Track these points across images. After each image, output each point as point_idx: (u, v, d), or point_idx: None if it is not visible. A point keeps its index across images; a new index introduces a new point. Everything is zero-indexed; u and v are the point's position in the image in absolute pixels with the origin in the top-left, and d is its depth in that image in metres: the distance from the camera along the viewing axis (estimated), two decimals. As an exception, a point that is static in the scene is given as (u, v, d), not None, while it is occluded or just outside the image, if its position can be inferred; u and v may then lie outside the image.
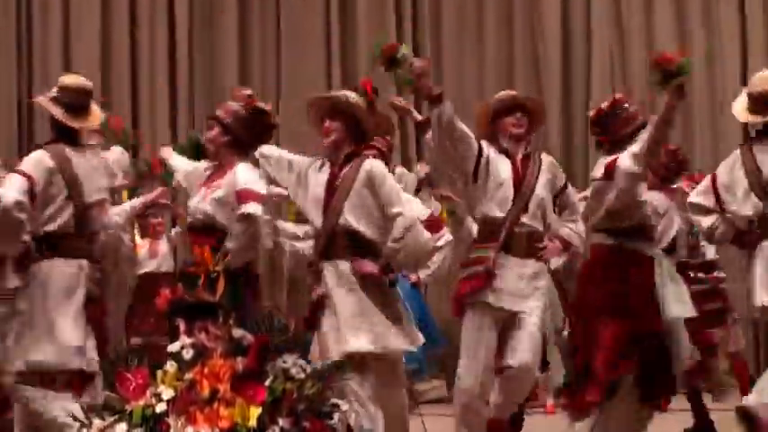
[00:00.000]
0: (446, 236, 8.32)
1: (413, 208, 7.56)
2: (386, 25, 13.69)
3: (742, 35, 13.58)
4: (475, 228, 8.08)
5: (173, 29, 13.95)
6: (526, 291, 7.30)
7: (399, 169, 10.38)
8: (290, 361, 5.79)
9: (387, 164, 7.77)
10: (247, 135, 6.99)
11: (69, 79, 7.22)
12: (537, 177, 7.27)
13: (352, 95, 6.99)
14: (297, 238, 9.26)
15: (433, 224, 8.00)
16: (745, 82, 13.47)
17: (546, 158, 7.56)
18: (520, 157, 7.34)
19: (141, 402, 5.67)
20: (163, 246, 11.45)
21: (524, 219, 7.28)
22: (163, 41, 13.94)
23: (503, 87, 13.33)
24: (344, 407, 5.89)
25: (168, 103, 13.98)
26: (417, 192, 10.20)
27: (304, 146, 7.83)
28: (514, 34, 13.95)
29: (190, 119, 13.86)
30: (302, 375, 5.79)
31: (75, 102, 6.99)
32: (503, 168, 7.31)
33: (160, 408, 5.61)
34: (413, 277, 8.93)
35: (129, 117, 13.24)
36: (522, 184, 7.29)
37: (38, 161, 6.95)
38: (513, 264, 7.29)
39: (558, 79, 13.86)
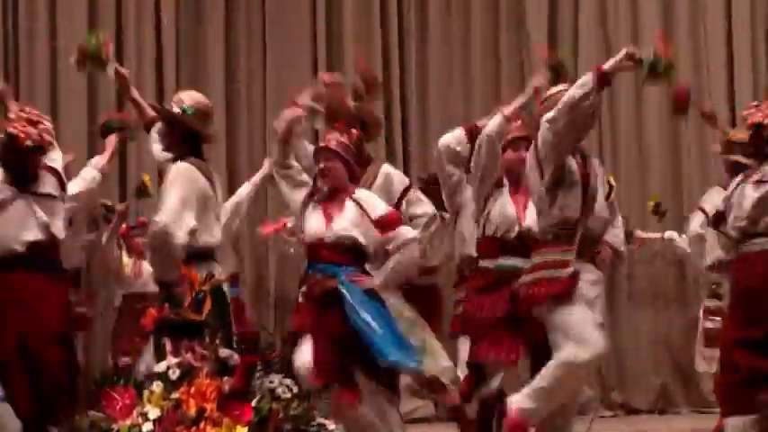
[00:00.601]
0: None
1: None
2: (372, 25, 13.75)
3: (728, 43, 13.66)
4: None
5: (159, 31, 13.96)
6: (596, 301, 7.11)
7: (385, 168, 10.18)
8: (276, 381, 5.86)
9: (358, 162, 7.73)
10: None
11: (197, 96, 6.94)
12: (596, 177, 7.14)
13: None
14: None
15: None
16: (732, 90, 13.66)
17: (595, 161, 7.42)
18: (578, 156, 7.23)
19: (128, 422, 5.68)
20: (148, 265, 11.28)
21: (589, 221, 7.13)
22: (150, 44, 13.93)
23: (488, 93, 13.54)
24: (330, 426, 5.95)
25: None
26: (406, 190, 10.10)
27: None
28: (500, 42, 13.98)
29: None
30: (288, 395, 5.84)
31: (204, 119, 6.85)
32: (574, 166, 7.02)
33: (147, 427, 5.61)
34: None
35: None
36: (588, 184, 7.05)
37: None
38: (583, 269, 7.08)
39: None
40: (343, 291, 6.44)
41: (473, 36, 13.64)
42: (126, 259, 10.54)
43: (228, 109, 13.25)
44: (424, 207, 8.01)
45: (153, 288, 10.54)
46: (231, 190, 10.63)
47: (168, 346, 5.99)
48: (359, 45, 12.93)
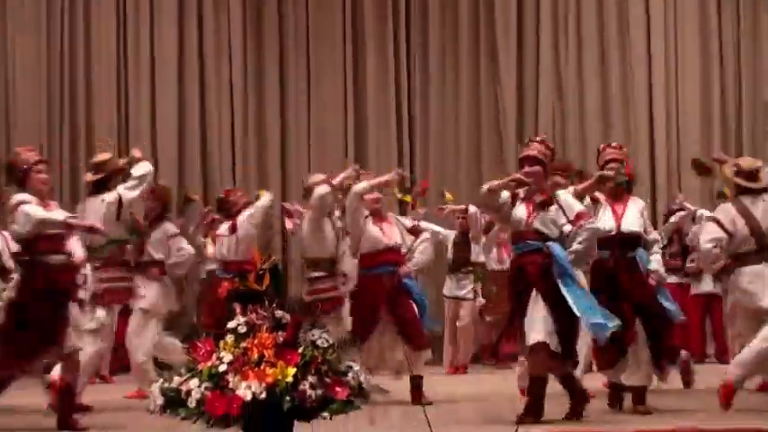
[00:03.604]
0: (425, 234, 9.84)
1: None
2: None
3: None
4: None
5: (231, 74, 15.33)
6: None
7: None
8: (317, 334, 6.65)
9: None
10: None
11: None
12: None
13: None
14: None
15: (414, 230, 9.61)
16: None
17: None
18: None
19: (208, 364, 6.51)
20: None
21: None
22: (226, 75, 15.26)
23: (472, 131, 14.99)
24: (356, 367, 6.65)
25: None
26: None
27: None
28: (480, 86, 15.40)
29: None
30: (325, 345, 6.62)
31: None
32: None
33: (222, 368, 6.43)
34: (405, 270, 9.56)
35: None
36: None
37: None
38: None
39: (513, 123, 15.10)
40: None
41: (461, 91, 15.18)
42: (209, 244, 11.90)
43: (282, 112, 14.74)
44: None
45: None
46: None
47: (238, 309, 6.69)
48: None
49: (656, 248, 8.22)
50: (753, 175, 9.17)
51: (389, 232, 9.38)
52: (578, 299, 7.62)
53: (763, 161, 12.25)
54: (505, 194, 8.02)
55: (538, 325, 7.72)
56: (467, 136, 14.53)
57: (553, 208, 7.84)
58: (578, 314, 7.59)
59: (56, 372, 8.72)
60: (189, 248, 10.40)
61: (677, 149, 14.60)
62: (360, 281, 9.60)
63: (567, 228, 7.85)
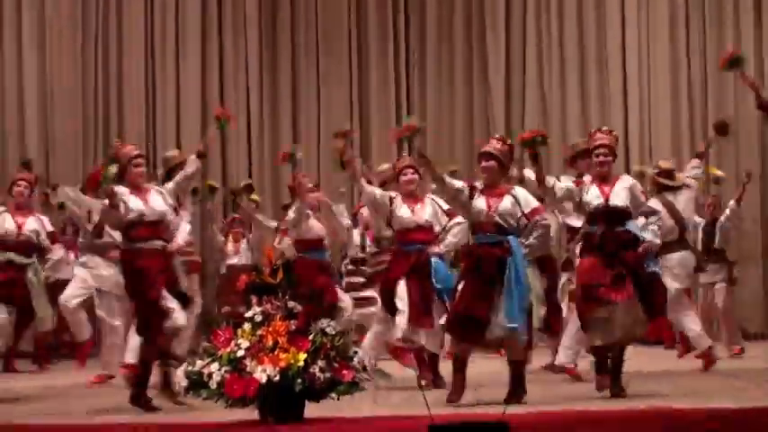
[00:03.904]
0: (458, 218, 9.10)
1: None
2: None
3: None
4: None
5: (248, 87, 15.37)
6: None
7: None
8: (325, 323, 6.66)
9: None
10: None
11: None
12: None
13: None
14: None
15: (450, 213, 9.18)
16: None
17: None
18: None
19: (228, 350, 6.53)
20: (243, 245, 12.45)
21: None
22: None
23: (466, 139, 15.04)
24: (361, 353, 6.72)
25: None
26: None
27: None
28: (473, 96, 15.43)
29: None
30: (333, 332, 6.63)
31: None
32: None
33: (240, 353, 6.46)
34: (435, 249, 9.09)
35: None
36: None
37: None
38: None
39: (502, 126, 15.02)
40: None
41: (456, 98, 15.21)
42: (229, 242, 11.88)
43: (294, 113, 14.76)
44: None
45: (245, 261, 11.87)
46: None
47: (254, 300, 6.68)
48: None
49: (652, 219, 7.99)
50: (671, 174, 9.80)
51: (420, 212, 9.18)
52: (514, 300, 7.52)
53: (726, 159, 12.43)
54: (460, 184, 7.94)
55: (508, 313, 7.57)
56: (461, 138, 14.62)
57: (510, 202, 7.73)
58: (506, 313, 7.48)
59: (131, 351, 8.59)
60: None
61: (649, 149, 14.64)
62: (391, 255, 9.42)
63: (523, 221, 7.73)
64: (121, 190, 7.77)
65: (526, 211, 7.70)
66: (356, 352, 6.75)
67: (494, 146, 7.87)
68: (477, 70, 14.95)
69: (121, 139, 14.31)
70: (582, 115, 14.79)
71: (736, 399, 6.99)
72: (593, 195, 7.85)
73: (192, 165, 8.37)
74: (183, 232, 8.52)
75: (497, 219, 7.66)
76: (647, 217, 7.87)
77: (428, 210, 9.07)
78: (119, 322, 9.56)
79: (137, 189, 7.87)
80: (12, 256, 8.44)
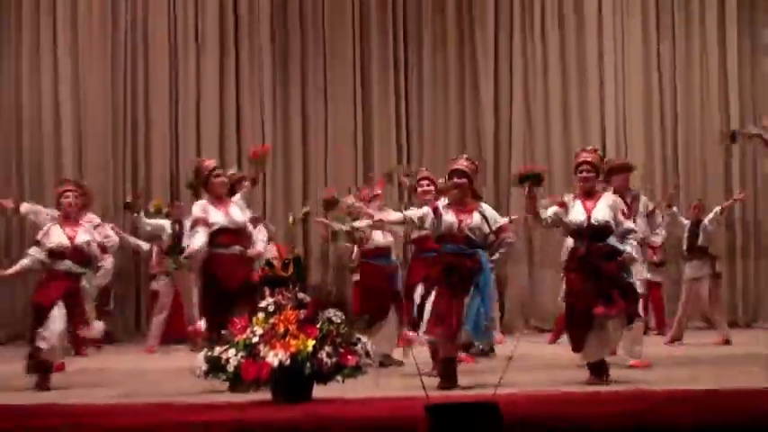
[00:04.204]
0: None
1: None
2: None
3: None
4: None
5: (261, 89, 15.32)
6: None
7: None
8: (332, 312, 6.70)
9: None
10: None
11: None
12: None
13: None
14: None
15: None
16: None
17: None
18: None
19: (243, 336, 6.58)
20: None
21: None
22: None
23: (461, 143, 15.00)
24: (364, 339, 6.75)
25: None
26: None
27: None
28: (465, 112, 15.40)
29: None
30: (339, 321, 6.67)
31: None
32: None
33: (254, 340, 6.52)
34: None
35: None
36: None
37: None
38: None
39: (491, 135, 14.97)
40: None
41: (450, 113, 15.10)
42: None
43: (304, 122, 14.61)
44: None
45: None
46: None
47: (267, 292, 6.74)
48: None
49: (631, 236, 7.81)
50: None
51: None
52: (478, 311, 7.47)
53: (695, 168, 12.44)
54: (421, 212, 7.84)
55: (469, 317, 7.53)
56: (454, 147, 14.57)
57: (479, 218, 7.66)
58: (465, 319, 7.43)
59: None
60: (115, 236, 9.57)
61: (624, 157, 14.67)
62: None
63: (491, 237, 7.68)
64: (203, 203, 7.80)
65: (494, 228, 7.64)
66: (359, 338, 6.76)
67: (464, 164, 7.78)
68: (468, 86, 14.96)
69: (149, 155, 14.45)
70: (564, 130, 14.80)
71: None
72: (577, 212, 7.67)
73: (245, 189, 8.41)
74: (261, 241, 8.60)
75: (468, 232, 7.58)
76: (624, 236, 7.66)
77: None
78: None
79: (218, 200, 7.86)
80: (69, 264, 8.16)
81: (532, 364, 9.11)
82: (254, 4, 14.83)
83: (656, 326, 12.91)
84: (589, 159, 7.78)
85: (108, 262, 8.38)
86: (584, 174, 7.75)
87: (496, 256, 7.69)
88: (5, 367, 9.53)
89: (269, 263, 6.88)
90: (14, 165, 14.31)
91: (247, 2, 14.80)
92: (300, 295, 6.72)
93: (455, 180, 7.66)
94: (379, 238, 9.47)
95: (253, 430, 5.02)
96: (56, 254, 8.12)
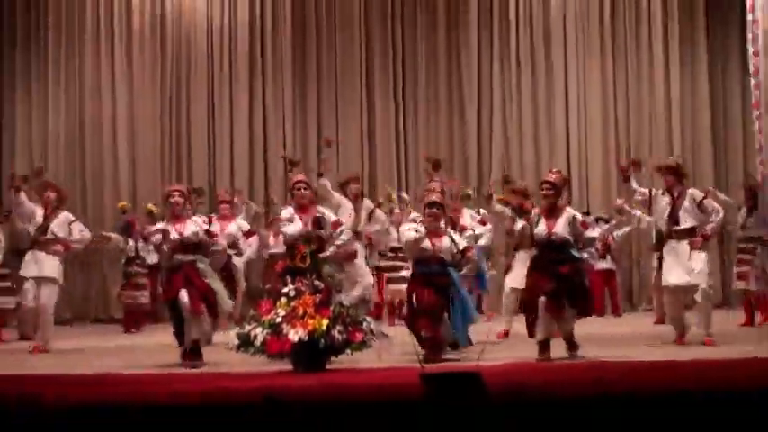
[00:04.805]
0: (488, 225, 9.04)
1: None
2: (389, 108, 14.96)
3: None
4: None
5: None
6: None
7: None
8: (342, 297, 6.83)
9: None
10: None
11: None
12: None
13: None
14: None
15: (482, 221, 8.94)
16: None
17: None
18: None
19: (269, 317, 6.56)
20: (281, 239, 12.09)
21: None
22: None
23: (451, 146, 14.78)
24: (369, 319, 6.80)
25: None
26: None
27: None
28: (453, 126, 15.20)
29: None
30: (348, 304, 6.78)
31: None
32: None
33: (278, 319, 6.50)
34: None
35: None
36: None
37: None
38: None
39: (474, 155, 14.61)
40: None
41: (440, 129, 14.93)
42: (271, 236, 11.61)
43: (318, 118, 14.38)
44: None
45: (282, 250, 11.54)
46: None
47: (288, 280, 6.68)
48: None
49: (590, 245, 7.57)
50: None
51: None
52: (456, 315, 7.41)
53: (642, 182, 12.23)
54: (411, 236, 7.68)
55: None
56: (447, 158, 14.36)
57: (448, 242, 7.55)
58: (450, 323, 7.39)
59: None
60: (87, 232, 9.20)
61: (586, 173, 14.57)
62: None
63: (458, 256, 7.61)
64: (290, 210, 7.29)
65: (461, 249, 7.58)
66: (365, 318, 6.75)
67: (437, 196, 7.72)
68: (456, 114, 14.86)
69: (191, 172, 14.35)
70: (535, 147, 14.68)
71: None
72: (540, 228, 7.38)
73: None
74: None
75: (441, 254, 7.47)
76: (585, 246, 7.40)
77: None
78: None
79: (300, 208, 7.32)
80: (180, 257, 7.56)
81: (516, 342, 8.94)
82: (277, 45, 14.76)
83: (612, 310, 12.76)
84: (550, 179, 7.47)
85: (220, 245, 7.97)
86: (544, 191, 7.45)
87: (464, 270, 7.72)
88: (73, 342, 9.49)
89: (291, 255, 6.82)
90: (78, 188, 14.15)
91: (271, 45, 14.74)
92: (316, 282, 6.70)
93: (433, 211, 7.57)
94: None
95: (278, 394, 4.94)
96: (176, 248, 7.55)
